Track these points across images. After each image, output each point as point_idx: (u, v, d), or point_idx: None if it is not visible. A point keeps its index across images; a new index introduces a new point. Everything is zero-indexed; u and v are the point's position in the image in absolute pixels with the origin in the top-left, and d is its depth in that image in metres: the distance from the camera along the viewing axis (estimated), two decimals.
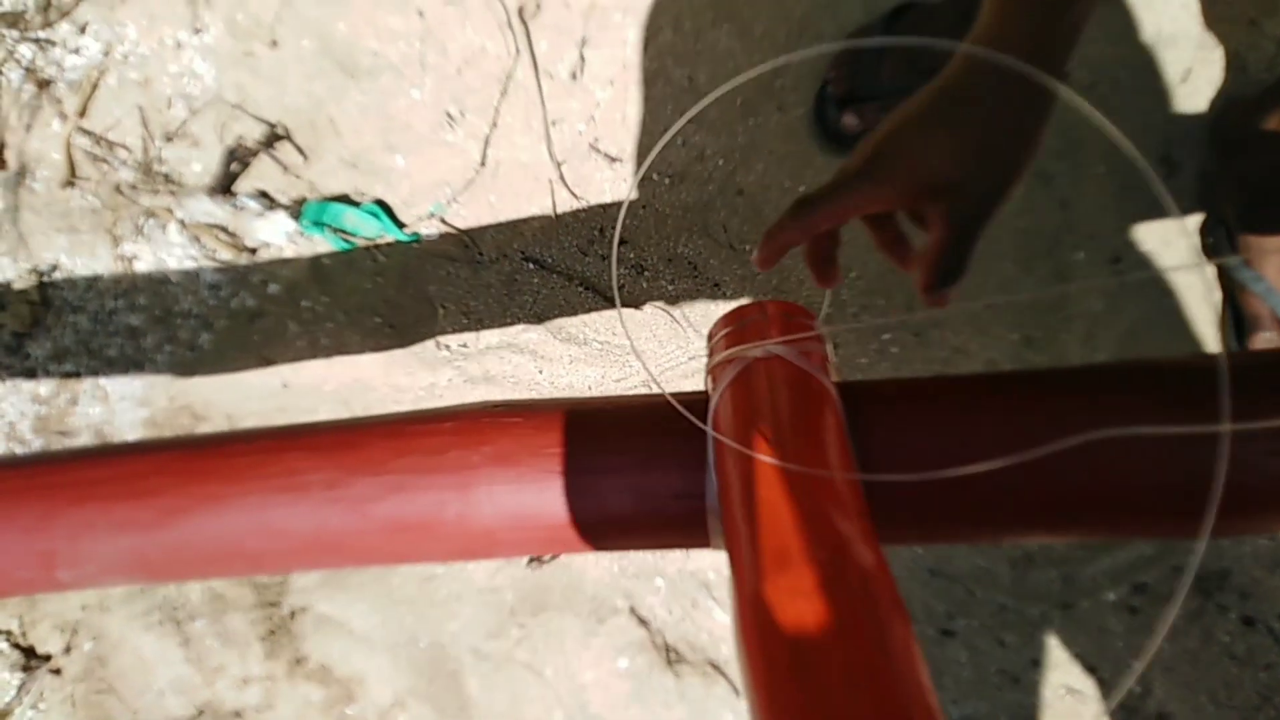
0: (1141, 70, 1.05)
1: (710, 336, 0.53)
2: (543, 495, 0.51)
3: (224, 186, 1.26)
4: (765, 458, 0.42)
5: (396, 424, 0.56)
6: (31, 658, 1.18)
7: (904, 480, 0.44)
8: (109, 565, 0.57)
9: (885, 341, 1.08)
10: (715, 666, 1.03)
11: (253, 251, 1.24)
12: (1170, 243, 1.04)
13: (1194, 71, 1.03)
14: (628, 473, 0.50)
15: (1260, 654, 0.95)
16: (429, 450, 0.54)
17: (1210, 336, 1.02)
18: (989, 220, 0.47)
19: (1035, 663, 0.98)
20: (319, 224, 1.20)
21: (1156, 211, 1.04)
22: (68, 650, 1.16)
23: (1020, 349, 1.04)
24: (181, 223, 1.25)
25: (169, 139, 1.29)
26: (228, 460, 0.56)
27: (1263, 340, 0.96)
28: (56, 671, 1.16)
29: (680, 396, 0.54)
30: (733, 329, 0.51)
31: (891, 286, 1.08)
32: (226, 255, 1.24)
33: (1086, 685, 0.97)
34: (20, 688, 1.17)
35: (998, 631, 1.00)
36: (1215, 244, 1.01)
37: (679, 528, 0.50)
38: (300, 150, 1.25)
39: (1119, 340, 1.02)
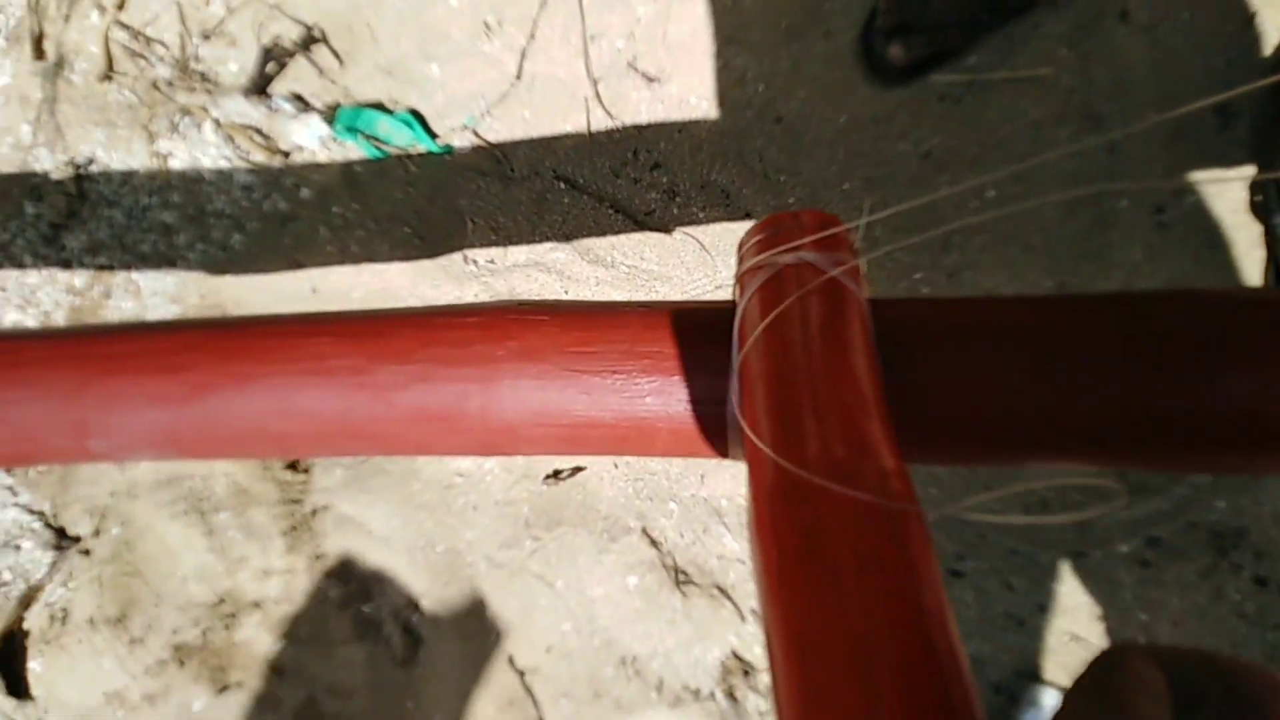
0: (1205, 12, 1.01)
1: (741, 246, 0.53)
2: (566, 393, 0.51)
3: (259, 88, 1.26)
4: (790, 358, 0.43)
5: (423, 316, 0.57)
6: (62, 538, 1.23)
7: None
8: (139, 438, 0.59)
9: (916, 281, 1.07)
10: (722, 590, 1.06)
11: (286, 155, 1.25)
12: (1219, 194, 1.01)
13: (1260, 14, 1.00)
14: (652, 375, 0.51)
15: (1270, 614, 0.96)
16: (454, 342, 0.55)
17: None
18: None
19: (1042, 608, 1.00)
20: (352, 130, 1.21)
21: (1205, 162, 1.02)
22: (97, 533, 1.21)
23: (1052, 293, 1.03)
24: (217, 122, 1.26)
25: (206, 37, 1.29)
26: (258, 341, 0.57)
27: None
28: (86, 553, 1.21)
29: (706, 305, 0.55)
30: (764, 236, 0.51)
31: (927, 224, 1.07)
32: (260, 157, 1.25)
33: (1092, 633, 0.98)
34: (51, 566, 1.22)
35: (1006, 575, 1.01)
36: (1264, 201, 0.98)
37: (699, 434, 0.51)
38: (336, 55, 1.24)
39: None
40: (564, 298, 1.11)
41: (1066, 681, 0.97)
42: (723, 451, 0.52)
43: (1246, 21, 1.00)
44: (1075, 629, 0.99)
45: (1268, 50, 0.99)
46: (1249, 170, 1.01)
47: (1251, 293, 0.45)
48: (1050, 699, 0.95)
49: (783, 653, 0.31)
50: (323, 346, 0.57)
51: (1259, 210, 1.00)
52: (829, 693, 0.30)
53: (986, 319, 0.49)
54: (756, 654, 1.03)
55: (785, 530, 0.35)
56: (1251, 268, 1.00)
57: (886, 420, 0.41)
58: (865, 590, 0.30)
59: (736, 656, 1.04)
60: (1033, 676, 0.98)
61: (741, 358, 0.47)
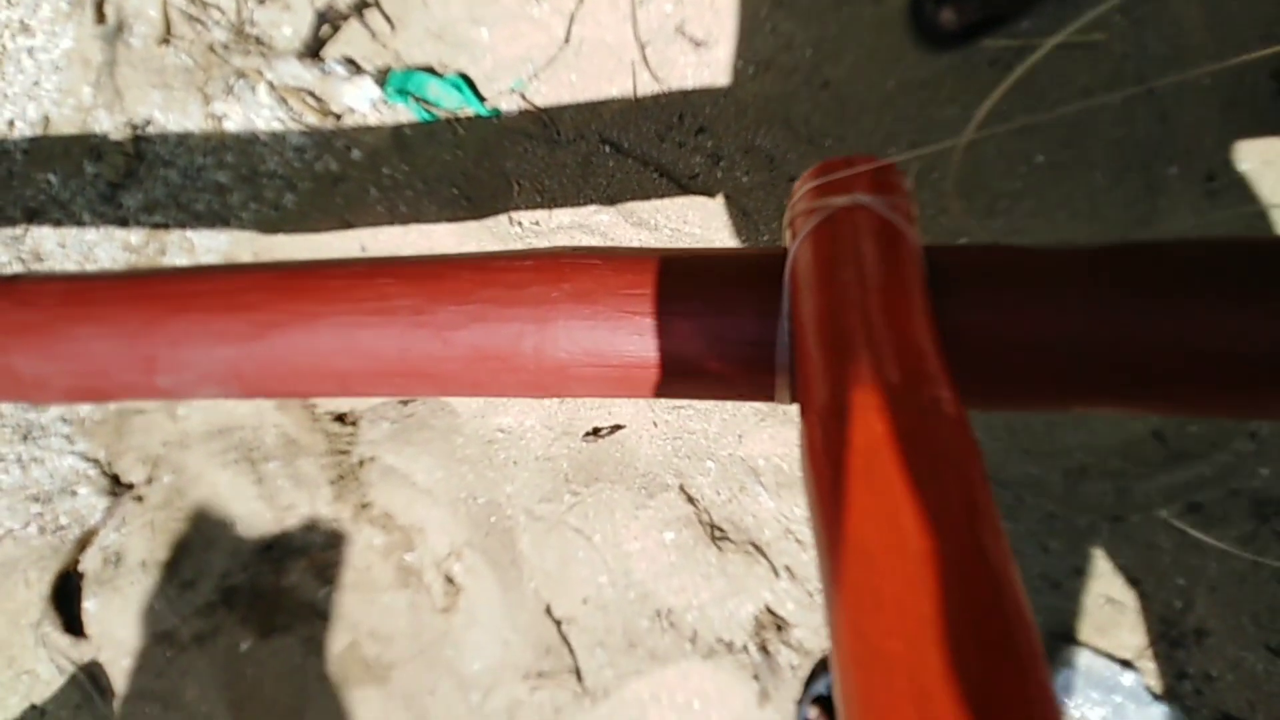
0: None
1: (794, 190, 0.54)
2: (617, 334, 0.54)
3: (313, 51, 1.30)
4: (845, 293, 0.44)
5: (481, 260, 0.60)
6: (117, 485, 1.29)
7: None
8: (205, 374, 0.63)
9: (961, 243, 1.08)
10: (757, 547, 1.08)
11: (338, 117, 1.29)
12: (1272, 162, 1.01)
13: None
14: (702, 317, 0.53)
15: None
16: (510, 284, 0.57)
17: None
18: None
19: (1078, 570, 1.01)
20: (403, 93, 1.24)
21: (1259, 129, 1.01)
22: (150, 481, 1.26)
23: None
24: (270, 84, 1.30)
25: (261, 1, 1.33)
26: (322, 282, 0.61)
27: None
28: (139, 499, 1.26)
29: (757, 250, 0.57)
30: (818, 181, 0.52)
31: (974, 189, 1.08)
32: (312, 119, 1.29)
33: (1127, 597, 0.99)
34: (106, 511, 1.27)
35: (1043, 538, 1.02)
36: None
37: (748, 375, 0.53)
38: (388, 19, 1.28)
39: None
40: None
41: (1102, 644, 0.98)
42: (769, 394, 0.54)
43: None
44: (1111, 592, 1.00)
45: None
46: None
47: None
48: (1085, 660, 0.96)
49: (844, 564, 0.33)
50: (385, 287, 0.61)
51: None
52: (892, 600, 0.32)
53: (1036, 265, 0.50)
54: (789, 609, 1.06)
55: (841, 450, 0.37)
56: None
57: (939, 352, 0.43)
58: (921, 500, 0.32)
59: (770, 611, 1.06)
60: (1067, 638, 0.99)
61: (793, 298, 0.49)
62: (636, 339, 0.55)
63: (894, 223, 0.48)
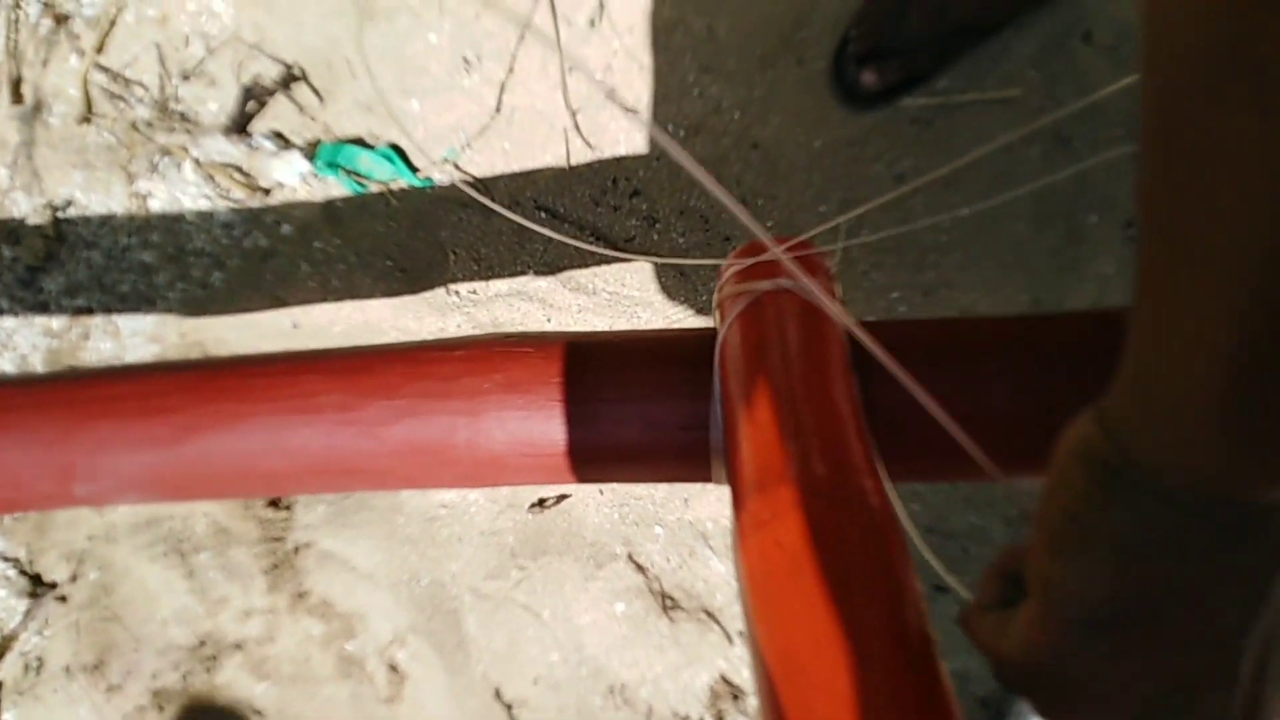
0: None
1: (721, 273, 0.55)
2: (551, 423, 0.54)
3: (240, 126, 1.30)
4: (771, 381, 0.45)
5: (409, 351, 0.60)
6: (38, 585, 1.23)
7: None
8: (126, 481, 0.61)
9: (893, 300, 1.11)
10: (709, 614, 1.07)
11: (266, 192, 1.28)
12: None
13: None
14: (635, 403, 0.53)
15: None
16: (441, 376, 0.57)
17: None
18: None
19: None
20: (333, 166, 1.24)
21: None
22: (74, 579, 1.21)
23: (1028, 311, 1.07)
24: (197, 161, 1.29)
25: (186, 77, 1.33)
26: (245, 380, 0.60)
27: None
28: (62, 599, 1.21)
29: (688, 332, 0.57)
30: (743, 263, 0.53)
31: (903, 244, 1.11)
32: (240, 195, 1.28)
33: None
34: (26, 613, 1.22)
35: None
36: None
37: (683, 459, 0.53)
38: (316, 91, 1.28)
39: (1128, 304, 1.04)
40: (548, 327, 1.14)
41: None
42: (706, 476, 0.54)
43: None
44: None
45: None
46: None
47: None
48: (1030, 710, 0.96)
49: (771, 672, 0.33)
50: (310, 384, 0.60)
51: None
52: (819, 713, 0.31)
53: (961, 338, 0.52)
54: (745, 677, 1.04)
55: (769, 548, 0.37)
56: None
57: (865, 440, 0.43)
58: (849, 608, 0.32)
59: (725, 680, 1.05)
60: None
61: (723, 383, 0.50)
62: (571, 427, 0.54)
63: (818, 305, 0.49)
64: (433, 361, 0.57)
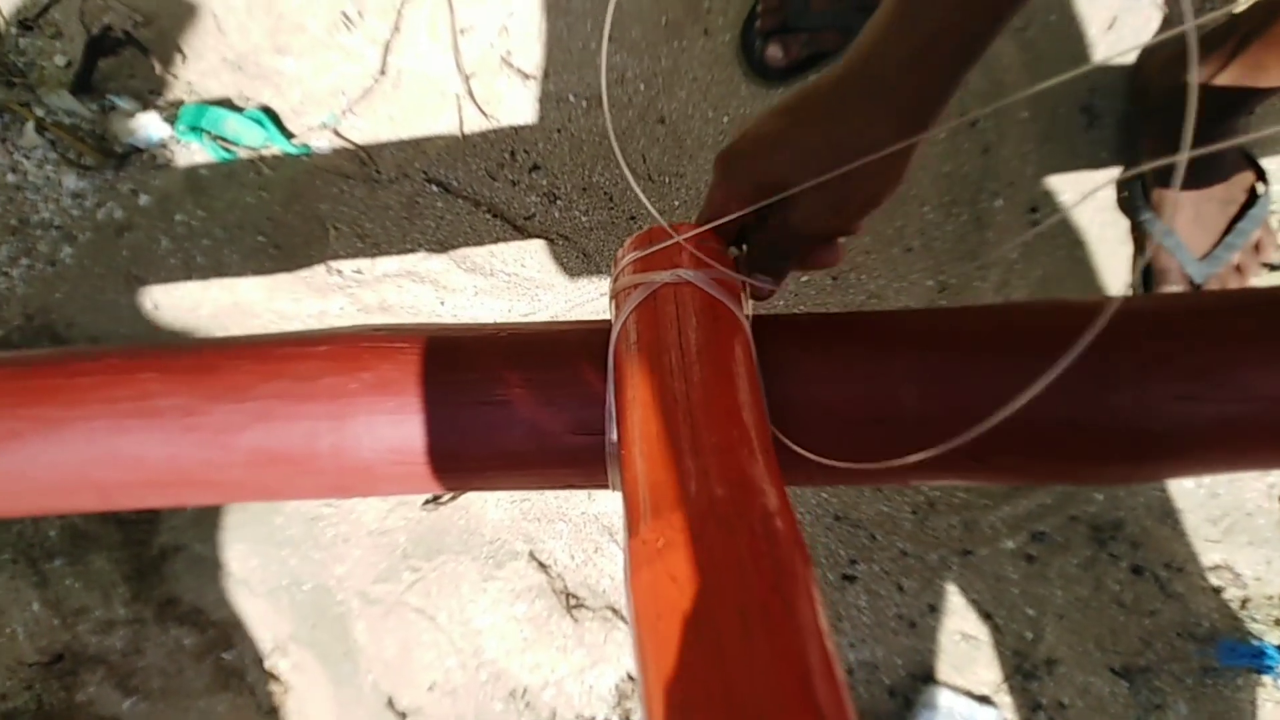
0: (1070, 15, 1.06)
1: (617, 260, 0.51)
2: (428, 428, 0.48)
3: (90, 83, 1.17)
4: (667, 387, 0.41)
5: (263, 346, 0.53)
6: None
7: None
8: None
9: (802, 284, 1.09)
10: (616, 611, 1.04)
11: (122, 157, 1.16)
12: (1090, 195, 1.07)
13: (1119, 19, 1.06)
14: (522, 405, 0.48)
15: (1146, 601, 1.01)
16: (300, 376, 0.51)
17: (1121, 289, 1.06)
18: (819, 233, 0.47)
19: (932, 608, 1.02)
20: (197, 130, 1.13)
21: (1076, 162, 1.07)
22: None
23: (934, 295, 1.07)
24: (41, 121, 1.16)
25: (27, 26, 1.19)
26: (70, 380, 0.52)
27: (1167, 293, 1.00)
28: None
29: (581, 325, 0.53)
30: (640, 251, 0.49)
31: None
32: (91, 160, 1.16)
33: (981, 631, 1.02)
34: None
35: (897, 577, 1.03)
36: (1130, 197, 1.04)
37: (575, 466, 0.49)
38: (178, 47, 1.17)
39: (1032, 289, 1.05)
40: (441, 310, 1.07)
41: (960, 682, 1.00)
42: (602, 482, 0.50)
43: (1107, 25, 1.06)
44: (966, 628, 1.02)
45: (1127, 55, 1.05)
46: (1116, 170, 1.06)
47: (1134, 301, 0.46)
48: (945, 699, 0.98)
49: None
50: (147, 383, 0.53)
51: (1125, 207, 1.06)
52: None
53: (870, 333, 0.49)
54: None
55: (662, 581, 0.32)
56: (1121, 264, 1.06)
57: (770, 452, 0.39)
58: (750, 651, 0.28)
59: (632, 679, 1.03)
60: (927, 678, 1.01)
61: (617, 385, 0.45)
62: (449, 433, 0.49)
63: (720, 300, 0.45)
64: (289, 358, 0.51)
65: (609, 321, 0.49)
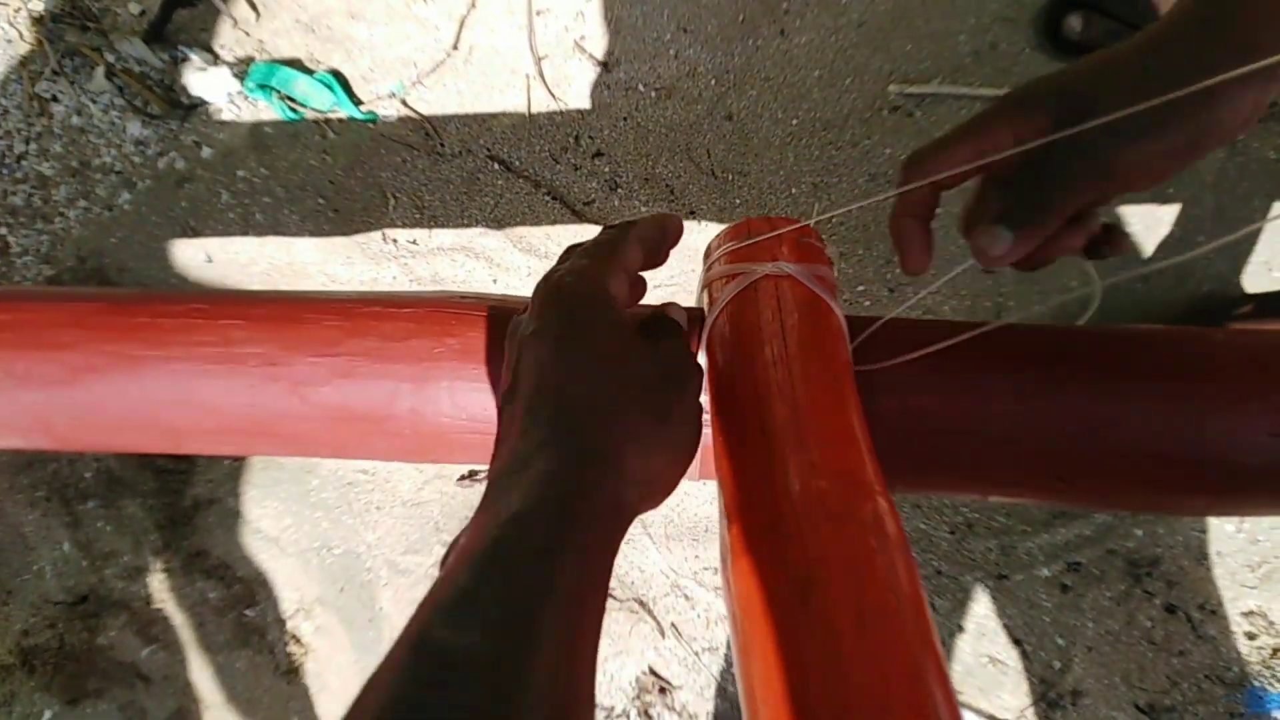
0: None
1: (709, 251, 0.50)
2: None
3: (163, 34, 1.18)
4: (769, 378, 0.40)
5: (348, 303, 0.53)
6: None
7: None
8: (4, 421, 0.54)
9: (858, 293, 1.09)
10: (643, 604, 1.04)
11: (188, 109, 1.17)
12: (1159, 219, 1.06)
13: None
14: None
15: (1176, 640, 1.01)
16: (386, 335, 0.51)
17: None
18: (1108, 179, 0.37)
19: (962, 629, 1.02)
20: (265, 87, 1.14)
21: (1138, 197, 1.06)
22: None
23: (990, 315, 1.06)
24: (110, 67, 1.17)
25: None
26: (154, 320, 0.53)
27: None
28: None
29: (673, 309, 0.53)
30: (737, 241, 0.48)
31: (872, 238, 1.08)
32: (158, 109, 1.17)
33: (1009, 656, 1.01)
34: None
35: (930, 596, 1.03)
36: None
37: None
38: (253, 4, 1.18)
39: (1090, 317, 1.04)
40: (493, 288, 1.08)
41: (984, 705, 1.00)
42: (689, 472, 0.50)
43: None
44: (994, 652, 1.01)
45: None
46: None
47: (1231, 335, 0.46)
48: None
49: (771, 713, 0.29)
50: (230, 330, 0.53)
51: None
52: None
53: (970, 345, 0.48)
54: (673, 671, 1.02)
55: (771, 571, 0.32)
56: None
57: (873, 452, 0.39)
58: (867, 649, 0.28)
59: (653, 673, 1.02)
60: None
61: (711, 374, 0.45)
62: None
63: (819, 295, 0.45)
64: (376, 317, 0.51)
65: (701, 309, 0.49)
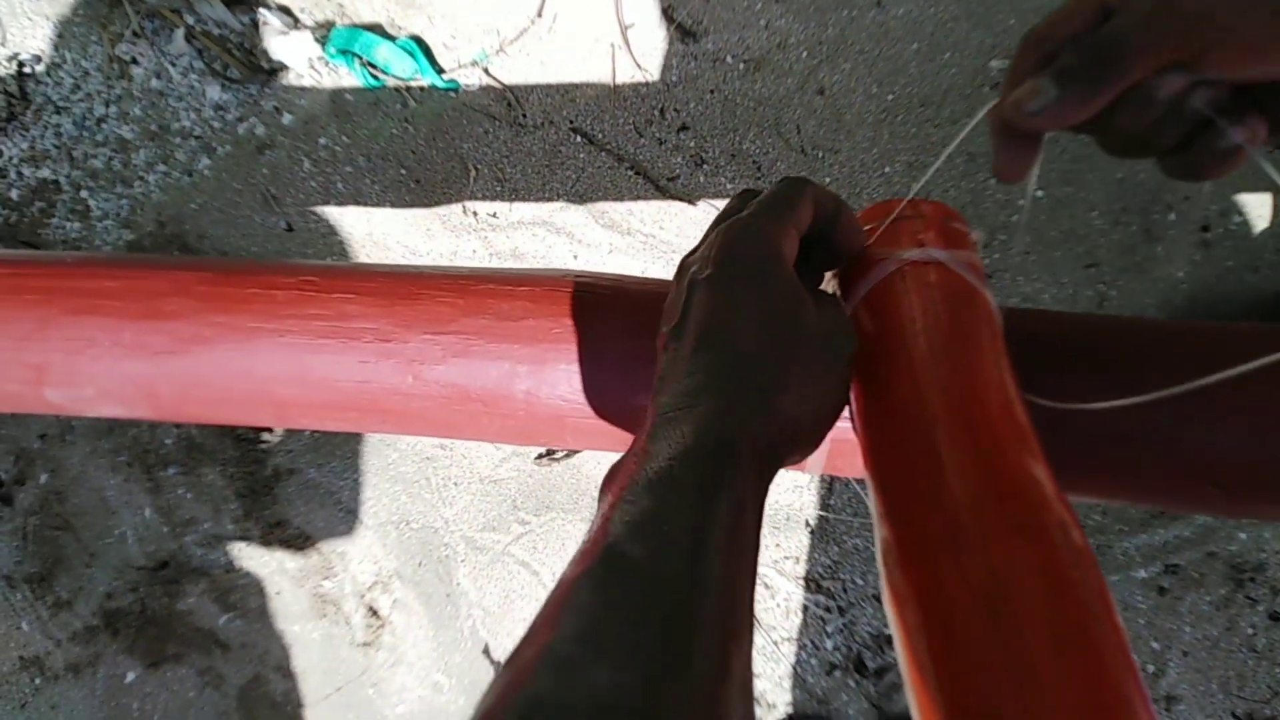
0: None
1: None
2: (629, 382, 0.47)
3: None
4: (925, 372, 0.38)
5: (461, 279, 0.52)
6: None
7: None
8: (108, 392, 0.53)
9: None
10: None
11: (269, 74, 1.16)
12: (1264, 217, 1.01)
13: None
14: None
15: None
16: (503, 315, 0.49)
17: None
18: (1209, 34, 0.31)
19: None
20: (347, 53, 1.12)
21: (1254, 183, 1.01)
22: (21, 480, 1.12)
23: (1092, 306, 1.02)
24: (191, 29, 1.16)
25: None
26: (266, 292, 0.52)
27: None
28: (6, 500, 1.12)
29: None
30: (877, 225, 0.46)
31: (971, 220, 1.04)
32: (238, 73, 1.16)
33: None
34: None
35: None
36: None
37: None
38: None
39: (1193, 309, 1.00)
40: (573, 264, 1.06)
41: None
42: (801, 465, 0.48)
43: None
44: None
45: None
46: None
47: None
48: None
49: None
50: (344, 304, 0.52)
51: None
52: None
53: (1138, 343, 0.45)
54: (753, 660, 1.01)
55: (952, 583, 0.30)
56: None
57: (1044, 456, 0.36)
58: (1065, 673, 0.26)
59: None
60: None
61: (856, 365, 0.42)
62: (650, 390, 0.48)
63: (974, 285, 0.42)
64: (492, 295, 0.50)
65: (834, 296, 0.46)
